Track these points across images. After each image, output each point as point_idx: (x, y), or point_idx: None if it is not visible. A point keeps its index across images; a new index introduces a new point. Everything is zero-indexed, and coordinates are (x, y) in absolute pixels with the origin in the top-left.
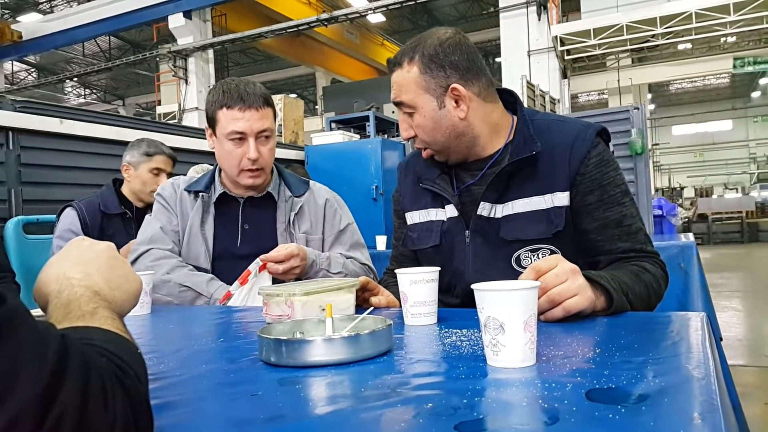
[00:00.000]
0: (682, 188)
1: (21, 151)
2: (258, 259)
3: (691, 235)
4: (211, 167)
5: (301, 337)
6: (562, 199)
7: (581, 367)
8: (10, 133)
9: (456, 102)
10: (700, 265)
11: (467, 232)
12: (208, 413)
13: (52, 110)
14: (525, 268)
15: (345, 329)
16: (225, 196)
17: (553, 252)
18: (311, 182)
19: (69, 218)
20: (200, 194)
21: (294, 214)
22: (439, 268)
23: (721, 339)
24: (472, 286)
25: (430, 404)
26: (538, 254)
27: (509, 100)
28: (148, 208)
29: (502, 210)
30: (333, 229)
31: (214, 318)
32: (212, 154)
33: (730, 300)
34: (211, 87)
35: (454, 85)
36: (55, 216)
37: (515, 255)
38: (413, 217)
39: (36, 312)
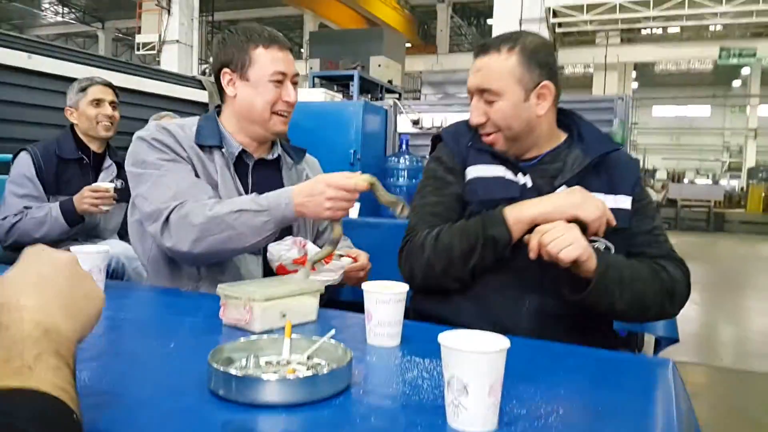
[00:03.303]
0: (655, 170)
1: None
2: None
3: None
4: (173, 116)
5: (254, 371)
6: (625, 202)
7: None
8: None
9: (539, 99)
10: None
11: None
12: None
13: (20, 44)
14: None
15: (304, 353)
16: (240, 155)
17: (607, 247)
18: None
19: (23, 163)
20: (221, 150)
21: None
22: (407, 288)
23: (677, 341)
24: (439, 339)
25: None
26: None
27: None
28: (107, 152)
29: None
30: None
31: (170, 310)
32: (191, 102)
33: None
34: (228, 36)
35: (547, 82)
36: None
37: None
38: (477, 171)
39: None
